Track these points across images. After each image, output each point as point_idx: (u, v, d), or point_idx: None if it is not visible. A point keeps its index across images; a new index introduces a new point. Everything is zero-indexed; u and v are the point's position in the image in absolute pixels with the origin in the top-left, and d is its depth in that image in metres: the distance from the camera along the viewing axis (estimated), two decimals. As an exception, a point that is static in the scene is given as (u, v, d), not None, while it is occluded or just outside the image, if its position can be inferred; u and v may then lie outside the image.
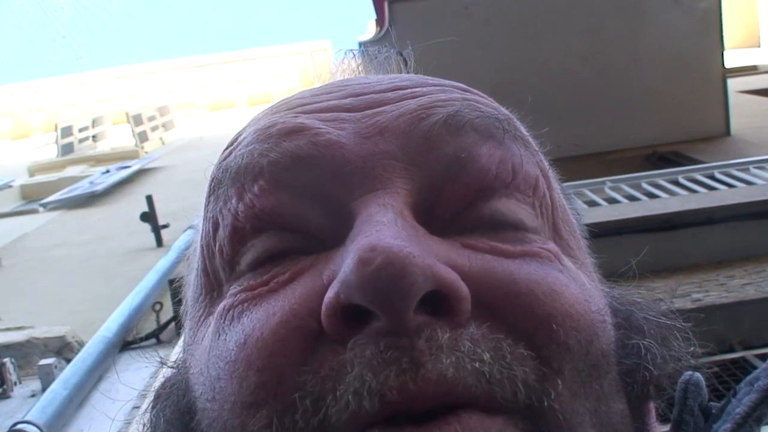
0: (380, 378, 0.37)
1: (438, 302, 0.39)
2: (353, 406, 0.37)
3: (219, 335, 0.45)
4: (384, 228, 0.41)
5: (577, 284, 0.45)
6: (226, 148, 0.53)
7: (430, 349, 0.37)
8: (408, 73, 0.58)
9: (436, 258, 0.40)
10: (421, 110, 0.48)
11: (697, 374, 0.49)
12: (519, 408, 0.39)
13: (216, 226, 0.49)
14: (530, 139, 0.52)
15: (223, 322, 0.45)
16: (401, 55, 0.60)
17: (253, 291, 0.45)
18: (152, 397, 0.54)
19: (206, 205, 0.51)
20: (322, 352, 0.40)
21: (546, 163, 0.52)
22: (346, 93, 0.51)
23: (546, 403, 0.39)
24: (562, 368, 0.41)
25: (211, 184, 0.51)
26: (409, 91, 0.50)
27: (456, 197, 0.46)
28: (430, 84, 0.51)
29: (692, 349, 0.50)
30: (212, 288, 0.49)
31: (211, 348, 0.45)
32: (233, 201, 0.48)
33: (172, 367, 0.54)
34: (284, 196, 0.46)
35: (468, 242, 0.44)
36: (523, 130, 0.53)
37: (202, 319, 0.49)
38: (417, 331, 0.38)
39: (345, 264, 0.39)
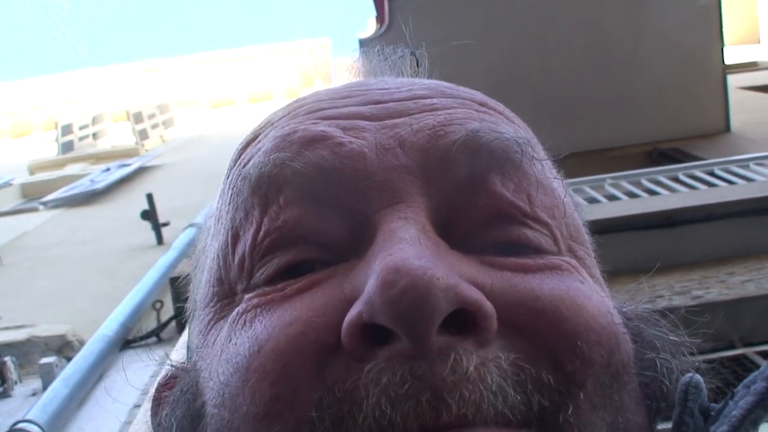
0: (399, 413, 0.37)
1: (463, 320, 0.39)
2: None
3: (230, 340, 0.44)
4: (407, 246, 0.40)
5: (598, 295, 0.45)
6: (243, 149, 0.52)
7: (454, 382, 0.37)
8: (420, 74, 0.58)
9: (458, 276, 0.40)
10: (439, 127, 0.47)
11: (697, 376, 0.49)
12: (533, 420, 0.39)
13: (236, 239, 0.48)
14: (548, 161, 0.52)
15: (236, 326, 0.44)
16: (414, 55, 0.60)
17: (267, 296, 0.44)
18: (156, 400, 0.54)
19: (222, 213, 0.51)
20: (337, 368, 0.40)
21: (562, 182, 0.52)
22: (365, 99, 0.51)
23: (561, 417, 0.40)
24: (585, 382, 0.41)
25: (228, 191, 0.50)
26: (428, 102, 0.50)
27: (471, 217, 0.46)
28: (448, 95, 0.51)
29: (697, 364, 0.50)
30: (225, 296, 0.48)
31: (222, 352, 0.44)
32: (256, 213, 0.47)
33: (180, 369, 0.53)
34: (307, 208, 0.46)
35: (487, 259, 0.44)
36: (541, 151, 0.53)
37: (212, 323, 0.48)
38: (440, 354, 0.38)
39: (369, 284, 0.39)
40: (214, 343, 0.47)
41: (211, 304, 0.49)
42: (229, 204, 0.50)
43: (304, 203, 0.46)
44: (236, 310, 0.45)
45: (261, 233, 0.46)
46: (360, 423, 0.37)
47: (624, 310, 0.51)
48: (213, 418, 0.44)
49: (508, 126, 0.50)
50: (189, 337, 0.54)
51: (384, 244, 0.41)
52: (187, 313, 0.56)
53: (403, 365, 0.38)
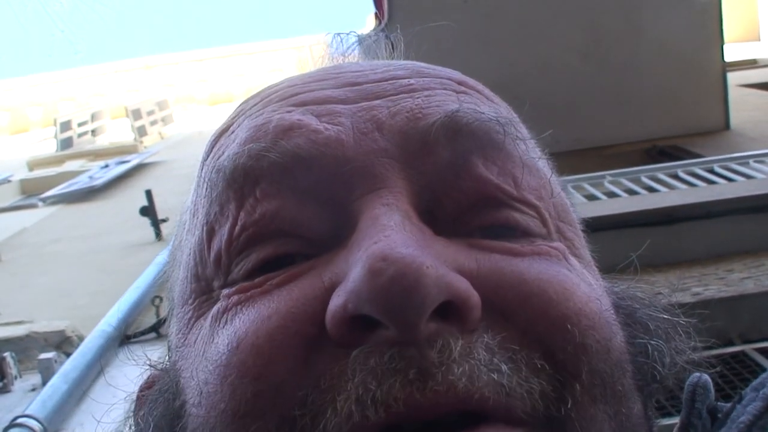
0: (385, 387, 0.36)
1: (448, 308, 0.37)
2: (356, 418, 0.36)
3: (213, 339, 0.42)
4: (393, 233, 0.39)
5: (586, 283, 0.44)
6: (216, 139, 0.51)
7: (441, 359, 0.36)
8: (398, 58, 0.56)
9: (445, 263, 0.39)
10: (417, 109, 0.46)
11: (705, 376, 0.48)
12: (539, 420, 0.38)
13: (211, 234, 0.46)
14: (531, 140, 0.50)
15: (217, 325, 0.43)
16: (389, 38, 0.58)
17: (246, 293, 0.43)
18: (136, 400, 0.53)
19: (198, 207, 0.49)
20: (323, 359, 0.38)
21: (547, 163, 0.51)
22: (340, 82, 0.49)
23: (563, 412, 0.38)
24: (579, 371, 0.39)
25: (203, 184, 0.48)
26: (405, 82, 0.48)
27: (456, 202, 0.45)
28: (425, 75, 0.50)
29: (693, 344, 0.49)
30: (203, 293, 0.47)
31: (204, 352, 0.43)
32: (231, 207, 0.45)
33: (159, 369, 0.52)
34: (285, 199, 0.44)
35: (474, 242, 0.43)
36: (524, 130, 0.51)
37: (192, 321, 0.47)
38: (428, 340, 0.36)
39: (354, 272, 0.38)
40: (195, 342, 0.45)
41: (189, 302, 0.47)
42: (204, 198, 0.48)
43: (281, 195, 0.44)
44: (216, 308, 0.44)
45: (237, 228, 0.45)
46: (339, 408, 0.36)
47: (615, 290, 0.50)
48: (191, 417, 0.42)
49: (488, 106, 0.49)
50: (168, 336, 0.52)
51: (367, 232, 0.40)
52: (168, 314, 0.54)
53: (391, 348, 0.36)
